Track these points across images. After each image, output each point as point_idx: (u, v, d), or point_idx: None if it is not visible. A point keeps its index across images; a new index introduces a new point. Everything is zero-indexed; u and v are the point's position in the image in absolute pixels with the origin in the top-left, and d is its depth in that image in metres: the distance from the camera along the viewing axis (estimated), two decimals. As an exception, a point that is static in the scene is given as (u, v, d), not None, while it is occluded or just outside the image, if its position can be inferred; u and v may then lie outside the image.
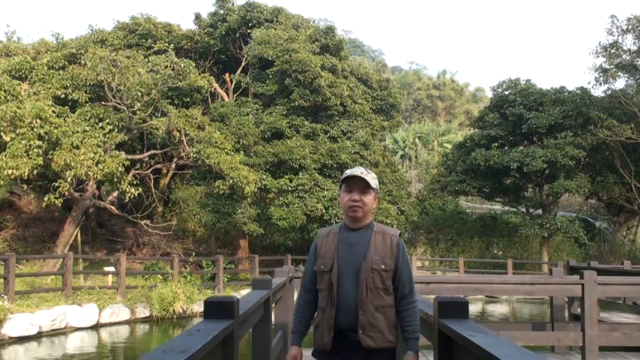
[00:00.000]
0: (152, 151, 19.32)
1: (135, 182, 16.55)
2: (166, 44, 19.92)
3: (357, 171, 2.73)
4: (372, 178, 2.72)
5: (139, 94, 16.82)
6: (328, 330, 2.66)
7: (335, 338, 2.66)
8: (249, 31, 21.72)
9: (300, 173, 19.31)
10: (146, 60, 18.03)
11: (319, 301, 2.76)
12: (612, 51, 21.26)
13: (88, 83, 17.17)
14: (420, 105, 61.36)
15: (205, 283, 18.22)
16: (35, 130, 14.16)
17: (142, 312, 14.71)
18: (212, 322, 2.23)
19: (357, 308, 2.62)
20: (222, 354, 2.17)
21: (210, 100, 21.61)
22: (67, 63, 18.95)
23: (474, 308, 17.51)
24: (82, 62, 17.75)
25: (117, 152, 16.02)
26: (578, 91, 23.45)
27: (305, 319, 2.80)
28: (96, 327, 13.39)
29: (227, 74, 22.81)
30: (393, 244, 2.70)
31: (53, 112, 15.40)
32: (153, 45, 21.28)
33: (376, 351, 2.63)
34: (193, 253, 20.56)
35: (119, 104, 16.92)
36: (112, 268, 16.53)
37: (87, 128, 16.07)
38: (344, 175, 2.76)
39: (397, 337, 2.73)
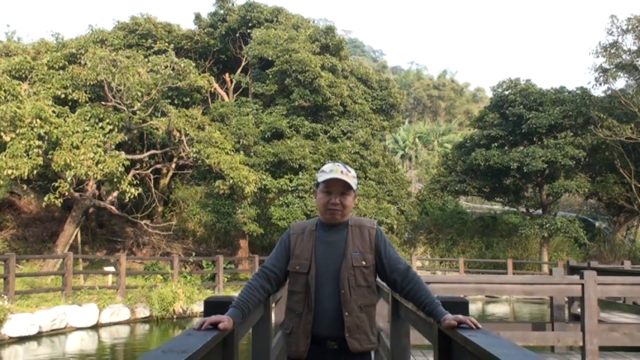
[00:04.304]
0: (152, 151, 19.32)
1: (135, 182, 16.55)
2: (166, 44, 19.93)
3: (337, 170, 2.55)
4: (352, 178, 2.57)
5: (139, 94, 16.82)
6: (305, 337, 2.50)
7: (311, 346, 2.50)
8: (249, 31, 21.73)
9: (300, 173, 19.31)
10: (146, 60, 18.02)
11: (292, 305, 2.58)
12: (612, 51, 21.26)
13: (88, 83, 17.16)
14: (420, 105, 61.37)
15: (205, 283, 18.22)
16: (35, 130, 14.16)
17: (142, 312, 14.71)
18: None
19: (337, 313, 2.48)
20: (222, 354, 2.17)
21: (210, 100, 21.61)
22: (67, 63, 18.94)
23: (474, 308, 17.49)
24: (82, 62, 17.74)
25: (117, 152, 16.02)
26: (578, 91, 23.46)
27: (252, 303, 2.45)
28: (96, 327, 13.39)
29: (227, 74, 22.81)
30: (371, 236, 2.58)
31: (53, 112, 15.39)
32: (153, 45, 21.27)
33: (358, 354, 2.51)
34: (193, 253, 20.56)
35: (119, 104, 16.91)
36: (112, 268, 16.54)
37: (87, 128, 16.07)
38: (323, 176, 2.58)
39: (377, 338, 2.64)
